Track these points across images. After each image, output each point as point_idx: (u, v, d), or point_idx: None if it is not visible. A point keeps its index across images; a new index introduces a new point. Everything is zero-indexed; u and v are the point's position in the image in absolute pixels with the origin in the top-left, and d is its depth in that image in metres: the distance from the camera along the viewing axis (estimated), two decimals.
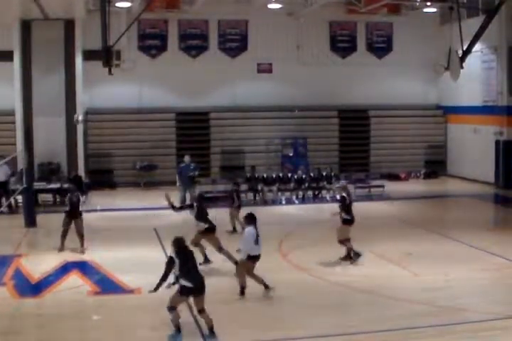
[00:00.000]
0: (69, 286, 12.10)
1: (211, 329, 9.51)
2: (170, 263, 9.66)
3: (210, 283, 12.27)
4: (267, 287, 11.58)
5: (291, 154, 27.18)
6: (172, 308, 9.58)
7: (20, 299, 11.58)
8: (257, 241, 11.43)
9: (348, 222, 13.97)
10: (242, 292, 11.55)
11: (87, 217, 19.70)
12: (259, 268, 13.54)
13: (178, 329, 9.61)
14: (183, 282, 9.55)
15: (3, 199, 20.00)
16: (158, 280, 9.78)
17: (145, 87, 26.71)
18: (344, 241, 13.88)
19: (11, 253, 14.74)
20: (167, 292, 11.88)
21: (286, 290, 11.92)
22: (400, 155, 28.39)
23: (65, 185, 21.22)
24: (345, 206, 13.97)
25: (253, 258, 11.50)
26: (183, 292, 9.59)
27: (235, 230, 16.88)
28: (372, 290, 11.75)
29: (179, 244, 9.77)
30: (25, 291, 11.91)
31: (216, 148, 27.16)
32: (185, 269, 9.55)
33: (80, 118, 21.26)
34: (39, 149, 22.80)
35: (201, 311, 9.57)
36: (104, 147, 25.92)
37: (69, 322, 10.27)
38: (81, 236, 15.00)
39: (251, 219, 11.68)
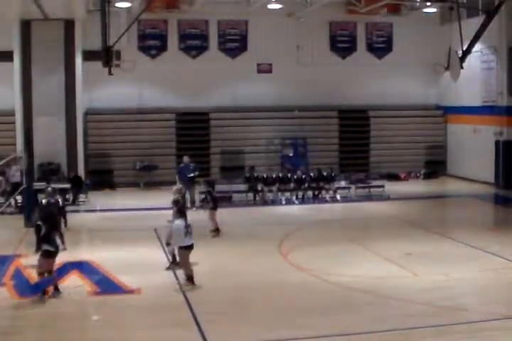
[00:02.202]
0: (69, 286, 12.09)
1: (56, 286, 11.44)
2: (38, 229, 11.60)
3: (210, 283, 12.37)
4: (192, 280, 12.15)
5: (291, 154, 27.19)
6: (41, 274, 11.28)
7: (20, 299, 11.57)
8: (186, 233, 12.11)
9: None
10: (192, 281, 12.12)
11: (87, 217, 19.83)
12: (259, 267, 13.55)
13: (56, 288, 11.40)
14: (46, 246, 11.27)
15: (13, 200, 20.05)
16: None
17: (145, 87, 26.71)
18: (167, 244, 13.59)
19: (11, 253, 14.73)
20: (167, 293, 11.92)
21: (286, 290, 11.93)
22: (400, 155, 28.38)
23: (66, 185, 21.31)
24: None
25: (185, 248, 12.16)
26: (46, 255, 11.31)
27: (217, 230, 16.69)
28: (372, 290, 11.75)
29: (49, 215, 11.98)
30: (25, 291, 11.89)
31: (216, 148, 27.15)
32: (48, 236, 11.34)
33: None
34: (39, 149, 22.80)
35: (51, 272, 11.40)
36: (104, 147, 25.91)
37: (69, 322, 10.27)
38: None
39: (181, 212, 12.52)
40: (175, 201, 13.80)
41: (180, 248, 12.21)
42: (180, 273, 12.48)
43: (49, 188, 15.99)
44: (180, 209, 12.81)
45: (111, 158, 26.10)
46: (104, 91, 25.85)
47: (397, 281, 12.42)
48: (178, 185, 15.30)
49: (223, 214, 17.03)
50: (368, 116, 28.67)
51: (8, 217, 19.15)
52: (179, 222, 12.22)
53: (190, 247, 12.21)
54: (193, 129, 27.04)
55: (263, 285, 12.35)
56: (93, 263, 13.93)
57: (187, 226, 12.19)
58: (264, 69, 27.92)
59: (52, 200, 15.40)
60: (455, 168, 28.33)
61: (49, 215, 12.32)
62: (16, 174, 20.92)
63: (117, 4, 22.19)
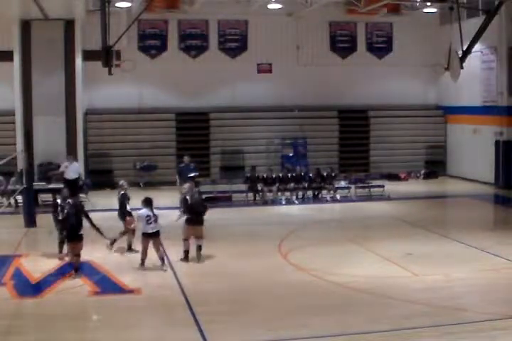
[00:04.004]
0: (69, 286, 12.10)
1: (77, 268, 12.70)
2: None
3: (210, 283, 12.38)
4: (143, 264, 13.39)
5: (291, 154, 27.20)
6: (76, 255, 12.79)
7: (20, 299, 11.58)
8: (148, 221, 13.20)
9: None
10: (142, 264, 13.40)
11: None
12: (259, 267, 13.55)
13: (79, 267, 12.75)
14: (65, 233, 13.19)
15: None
16: None
17: (145, 87, 26.70)
18: (184, 240, 14.12)
19: (11, 253, 14.74)
20: (167, 292, 11.92)
21: (286, 290, 11.93)
22: (400, 155, 28.38)
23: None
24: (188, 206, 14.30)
25: (146, 236, 13.28)
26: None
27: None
28: (373, 290, 11.75)
29: (75, 207, 13.30)
30: (25, 291, 11.90)
31: (216, 148, 27.15)
32: (64, 224, 13.09)
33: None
34: (39, 149, 22.79)
35: (77, 255, 12.82)
36: (104, 147, 25.91)
37: (69, 322, 10.26)
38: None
39: (146, 202, 13.48)
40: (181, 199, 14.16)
41: (142, 234, 13.39)
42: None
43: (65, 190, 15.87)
44: (145, 199, 13.57)
45: (111, 158, 26.10)
46: (104, 91, 25.84)
47: (397, 281, 12.42)
48: (185, 184, 15.42)
49: (223, 214, 16.98)
50: (368, 116, 28.66)
51: (8, 217, 19.15)
52: (143, 211, 13.31)
53: (150, 235, 13.22)
54: (193, 129, 27.04)
55: (263, 285, 12.34)
56: (93, 263, 13.93)
57: (149, 216, 13.17)
58: (264, 69, 27.91)
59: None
60: (455, 168, 28.33)
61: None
62: (66, 170, 20.93)
63: (117, 4, 22.20)
